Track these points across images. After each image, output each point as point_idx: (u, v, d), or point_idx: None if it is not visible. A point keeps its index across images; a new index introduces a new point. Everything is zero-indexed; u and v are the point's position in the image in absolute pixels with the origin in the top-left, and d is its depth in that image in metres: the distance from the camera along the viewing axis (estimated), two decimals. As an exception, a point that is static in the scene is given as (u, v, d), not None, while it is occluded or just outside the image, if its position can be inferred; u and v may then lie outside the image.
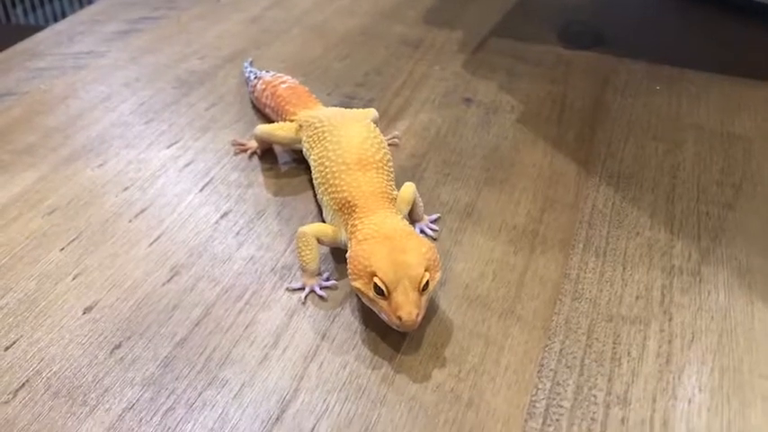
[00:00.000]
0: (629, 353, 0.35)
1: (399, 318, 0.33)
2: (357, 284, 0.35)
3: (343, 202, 0.39)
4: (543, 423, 0.31)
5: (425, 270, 0.34)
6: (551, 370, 0.34)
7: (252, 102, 0.55)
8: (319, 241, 0.39)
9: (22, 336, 0.36)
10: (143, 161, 0.49)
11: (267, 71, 0.55)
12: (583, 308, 0.37)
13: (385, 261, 0.34)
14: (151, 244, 0.42)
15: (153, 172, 0.48)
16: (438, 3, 0.74)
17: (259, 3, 0.74)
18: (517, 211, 0.44)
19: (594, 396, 0.33)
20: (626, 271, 0.40)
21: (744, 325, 0.36)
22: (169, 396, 0.33)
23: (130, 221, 0.43)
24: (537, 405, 0.32)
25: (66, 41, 0.66)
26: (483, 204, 0.45)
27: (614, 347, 0.35)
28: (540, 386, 0.33)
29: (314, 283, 0.38)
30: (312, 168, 0.43)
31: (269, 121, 0.52)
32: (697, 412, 0.32)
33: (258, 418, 0.32)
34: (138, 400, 0.32)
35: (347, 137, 0.42)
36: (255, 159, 0.49)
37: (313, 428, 0.31)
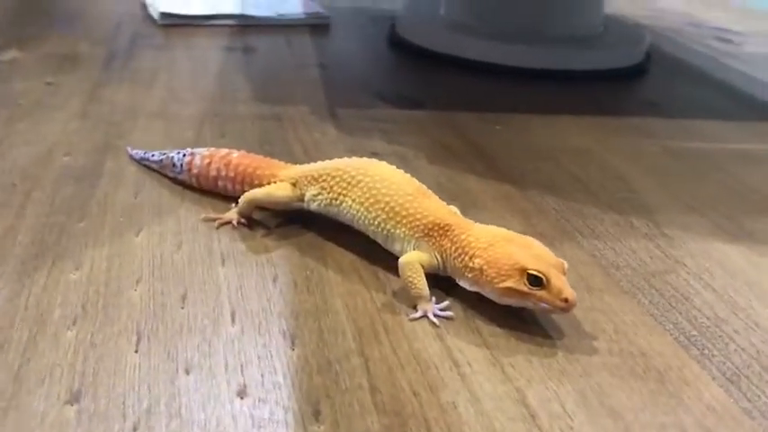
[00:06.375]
0: (693, 288, 0.43)
1: (566, 300, 0.36)
2: (508, 284, 0.37)
3: (430, 226, 0.40)
4: (697, 349, 0.37)
5: (556, 258, 0.38)
6: (662, 314, 0.40)
7: (182, 180, 0.50)
8: (420, 268, 0.39)
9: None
10: (123, 255, 0.42)
11: (192, 148, 0.51)
12: (629, 273, 0.44)
13: (528, 256, 0.37)
14: (234, 322, 0.37)
15: (148, 261, 0.41)
16: (260, 84, 0.75)
17: (70, 101, 0.66)
18: (508, 222, 0.50)
19: (708, 318, 0.40)
20: (624, 243, 0.48)
21: (730, 257, 0.47)
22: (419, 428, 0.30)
23: (183, 308, 0.37)
24: (680, 339, 0.38)
25: None
26: (480, 222, 0.49)
27: (679, 290, 0.43)
28: (667, 327, 0.39)
29: (431, 307, 0.39)
30: (355, 212, 0.43)
31: (218, 194, 0.49)
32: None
33: (517, 419, 0.31)
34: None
35: (388, 174, 0.43)
36: (244, 229, 0.46)
37: (564, 410, 0.32)
